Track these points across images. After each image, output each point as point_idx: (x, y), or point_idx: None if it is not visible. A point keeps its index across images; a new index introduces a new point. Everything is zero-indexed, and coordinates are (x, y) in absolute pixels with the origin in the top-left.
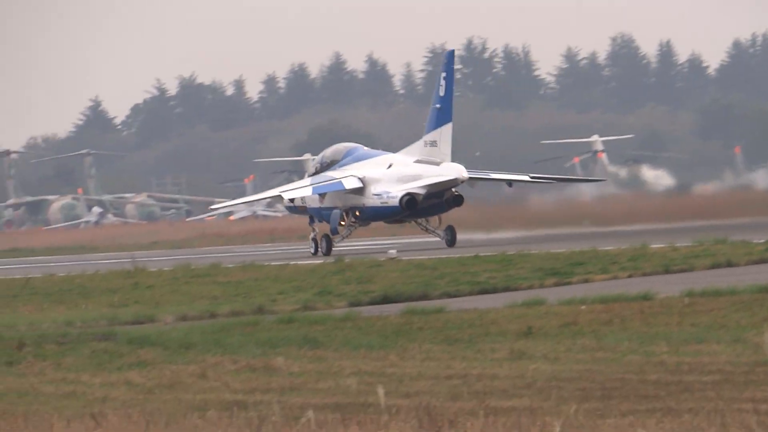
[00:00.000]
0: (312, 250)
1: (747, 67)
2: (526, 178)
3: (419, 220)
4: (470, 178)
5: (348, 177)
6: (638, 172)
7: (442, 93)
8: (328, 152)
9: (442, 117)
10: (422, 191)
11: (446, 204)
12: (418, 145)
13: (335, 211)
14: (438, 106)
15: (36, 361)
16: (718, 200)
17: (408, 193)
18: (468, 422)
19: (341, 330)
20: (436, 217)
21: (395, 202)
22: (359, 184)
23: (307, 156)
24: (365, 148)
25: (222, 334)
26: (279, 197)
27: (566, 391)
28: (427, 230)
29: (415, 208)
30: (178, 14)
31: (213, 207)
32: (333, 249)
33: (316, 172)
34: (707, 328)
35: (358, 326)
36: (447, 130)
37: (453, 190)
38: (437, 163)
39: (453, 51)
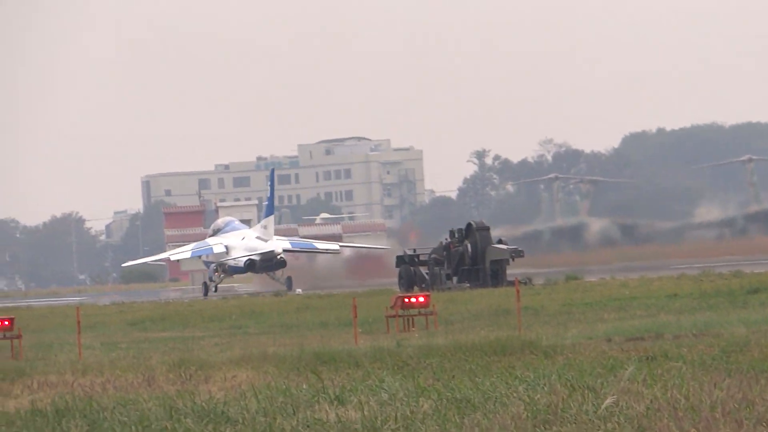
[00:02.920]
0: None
1: None
2: (336, 246)
3: (268, 273)
4: (284, 250)
5: (218, 244)
6: None
7: (268, 195)
8: (218, 222)
9: (269, 211)
10: (257, 257)
11: (276, 265)
12: (259, 225)
13: (212, 265)
14: (266, 203)
15: None
16: None
17: (249, 259)
18: None
19: None
20: (280, 271)
21: (242, 263)
22: (224, 250)
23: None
24: (237, 221)
25: None
26: (168, 258)
27: None
28: (273, 279)
29: (254, 268)
30: None
31: (125, 265)
32: (210, 293)
33: (212, 235)
34: None
35: None
36: (271, 220)
37: (278, 256)
38: (266, 240)
39: (273, 170)
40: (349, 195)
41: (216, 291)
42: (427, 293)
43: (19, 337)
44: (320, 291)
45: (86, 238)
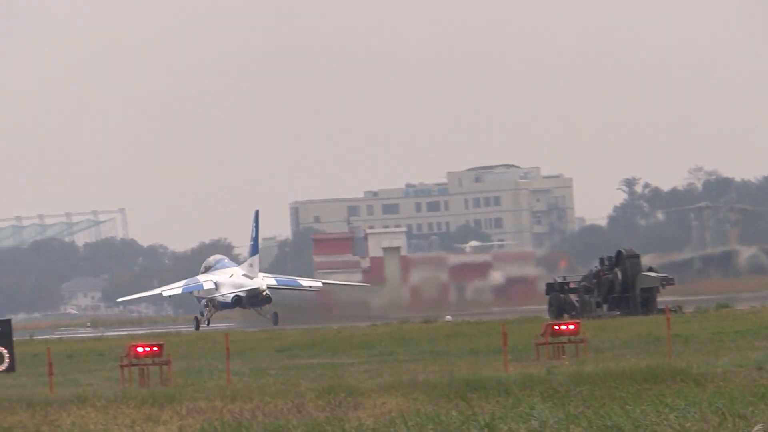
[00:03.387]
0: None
1: None
2: (319, 284)
3: (255, 309)
4: (268, 287)
5: (207, 281)
6: None
7: (253, 235)
8: (210, 260)
9: (254, 251)
10: (243, 294)
11: (262, 301)
12: (247, 263)
13: (203, 301)
14: (251, 243)
15: None
16: None
17: (236, 295)
18: None
19: None
20: (268, 306)
21: (229, 299)
22: (213, 286)
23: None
24: (226, 259)
25: None
26: (160, 294)
27: None
28: (260, 314)
29: (241, 304)
30: None
31: (120, 300)
32: (202, 326)
33: (203, 272)
34: None
35: None
36: (256, 258)
37: (263, 293)
38: (252, 278)
39: (257, 211)
40: (498, 222)
41: (208, 325)
42: (577, 321)
43: (168, 363)
44: (469, 318)
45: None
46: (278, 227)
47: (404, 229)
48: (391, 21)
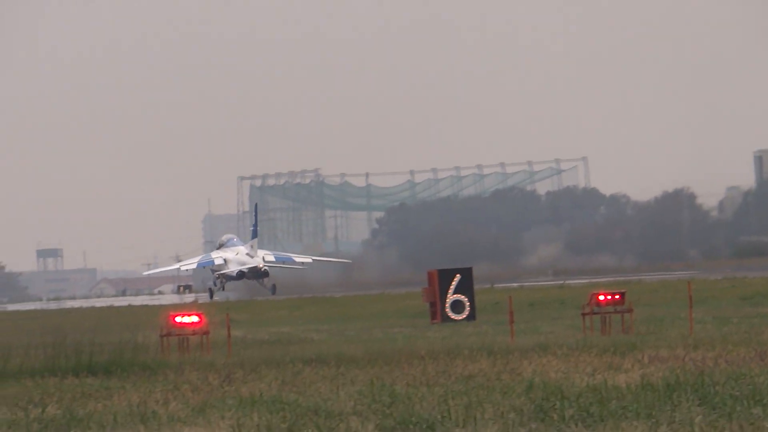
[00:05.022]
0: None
1: None
2: (309, 260)
3: (258, 281)
4: (266, 263)
5: (218, 257)
6: None
7: (253, 224)
8: (223, 238)
9: (254, 235)
10: (245, 269)
11: (262, 275)
12: (249, 244)
13: (215, 274)
14: (251, 228)
15: None
16: None
17: (240, 270)
18: None
19: None
20: (267, 279)
21: (234, 273)
22: (223, 262)
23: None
24: (236, 239)
25: None
26: (178, 269)
27: None
28: (262, 285)
29: (244, 277)
30: None
31: (146, 273)
32: (214, 296)
33: (218, 248)
34: None
35: None
36: (255, 241)
37: (262, 268)
38: (252, 256)
39: (256, 204)
40: None
41: (224, 290)
42: None
43: (630, 311)
44: None
45: (697, 214)
46: (742, 177)
47: None
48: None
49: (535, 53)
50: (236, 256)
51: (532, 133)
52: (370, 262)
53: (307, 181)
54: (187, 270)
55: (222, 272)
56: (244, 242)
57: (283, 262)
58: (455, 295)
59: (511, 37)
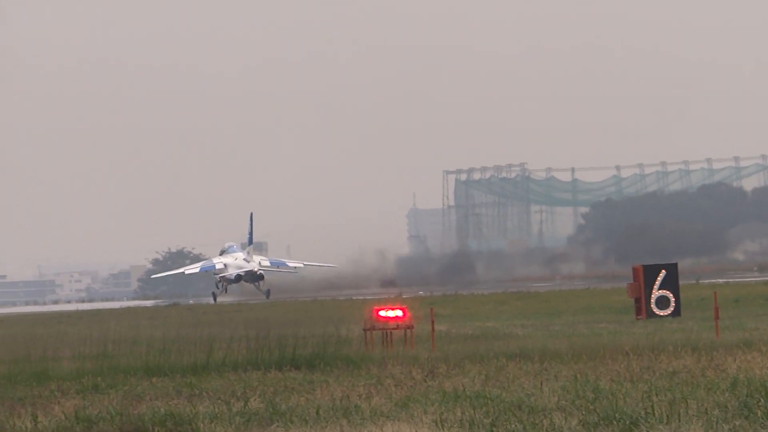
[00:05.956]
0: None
1: None
2: (301, 265)
3: (254, 284)
4: (261, 267)
5: (219, 262)
6: None
7: (249, 232)
8: (224, 245)
9: (249, 242)
10: (243, 273)
11: (258, 278)
12: (246, 250)
13: (216, 277)
14: (248, 236)
15: None
16: None
17: (237, 274)
18: None
19: None
20: (261, 282)
21: (233, 276)
22: (223, 267)
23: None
24: (236, 246)
25: None
26: (183, 273)
27: None
28: (257, 289)
29: (242, 280)
30: None
31: (154, 276)
32: (218, 299)
33: (220, 255)
34: None
35: None
36: (252, 248)
37: (257, 272)
38: (249, 261)
39: (252, 213)
40: None
41: (226, 292)
42: None
43: None
44: None
45: None
46: None
47: None
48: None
49: (740, 49)
50: (235, 261)
51: (738, 129)
52: (575, 257)
53: (513, 175)
54: (190, 274)
55: (222, 275)
56: (242, 249)
57: (278, 267)
58: (660, 291)
59: (719, 31)
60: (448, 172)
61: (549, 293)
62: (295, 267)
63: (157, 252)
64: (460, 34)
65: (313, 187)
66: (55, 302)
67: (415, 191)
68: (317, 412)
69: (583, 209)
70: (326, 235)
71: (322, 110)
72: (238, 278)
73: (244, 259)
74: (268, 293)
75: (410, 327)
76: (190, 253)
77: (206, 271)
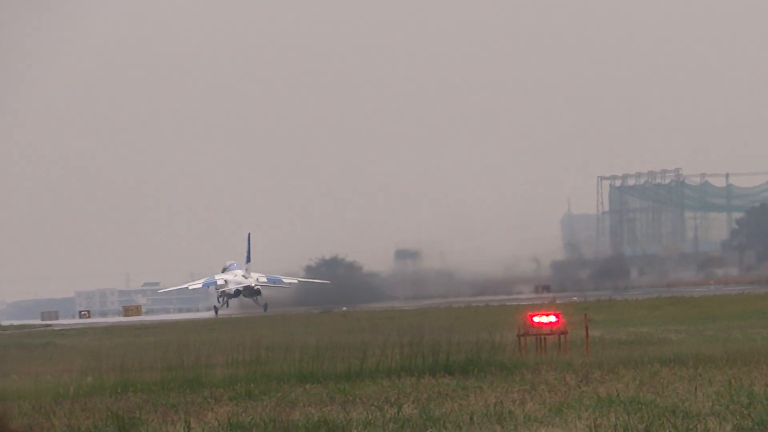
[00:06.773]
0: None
1: None
2: (296, 281)
3: (252, 298)
4: (258, 283)
5: (220, 279)
6: None
7: (247, 251)
8: (226, 263)
9: (247, 260)
10: (242, 288)
11: (255, 293)
12: (245, 267)
13: (218, 291)
14: (246, 254)
15: None
16: None
17: (237, 289)
18: None
19: None
20: (259, 297)
21: (233, 291)
22: (224, 283)
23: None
24: (236, 264)
25: None
26: (185, 288)
27: None
28: (255, 302)
29: (241, 294)
30: None
31: (161, 291)
32: (219, 313)
33: (222, 272)
34: None
35: None
36: (251, 265)
37: (255, 287)
38: (247, 277)
39: (249, 233)
40: None
41: (227, 306)
42: None
43: None
44: None
45: None
46: None
47: None
48: None
49: None
50: (234, 278)
51: None
52: (730, 261)
53: (667, 181)
54: (193, 289)
55: (223, 290)
56: (242, 267)
57: (274, 283)
58: None
59: None
60: (602, 178)
61: (703, 298)
62: (290, 283)
63: (310, 259)
64: (622, 41)
65: (468, 193)
66: (208, 309)
67: (569, 197)
68: (471, 418)
69: (738, 214)
70: (480, 241)
71: (480, 117)
72: (238, 293)
73: (243, 276)
74: (265, 307)
75: (564, 332)
76: (343, 260)
77: (208, 287)
